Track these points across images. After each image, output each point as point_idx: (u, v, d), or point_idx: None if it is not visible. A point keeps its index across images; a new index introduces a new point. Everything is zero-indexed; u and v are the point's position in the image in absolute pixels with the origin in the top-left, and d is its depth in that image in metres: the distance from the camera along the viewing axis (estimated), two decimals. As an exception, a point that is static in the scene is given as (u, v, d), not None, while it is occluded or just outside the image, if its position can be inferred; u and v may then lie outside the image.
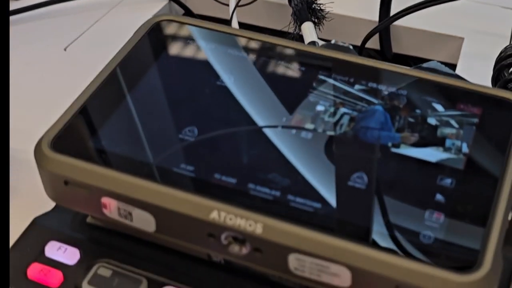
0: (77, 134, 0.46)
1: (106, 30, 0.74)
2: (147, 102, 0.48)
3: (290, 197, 0.42)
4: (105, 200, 0.44)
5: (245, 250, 0.42)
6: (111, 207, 0.44)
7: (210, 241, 0.42)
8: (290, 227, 0.40)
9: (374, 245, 0.40)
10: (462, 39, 0.74)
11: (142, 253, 0.47)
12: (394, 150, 0.44)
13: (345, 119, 0.46)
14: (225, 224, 0.41)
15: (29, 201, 0.52)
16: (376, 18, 0.74)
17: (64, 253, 0.47)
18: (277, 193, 0.42)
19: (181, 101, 0.48)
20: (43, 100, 0.63)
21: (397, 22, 0.73)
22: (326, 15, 0.70)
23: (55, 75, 0.67)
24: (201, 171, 0.43)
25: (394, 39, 0.76)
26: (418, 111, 0.46)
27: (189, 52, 0.51)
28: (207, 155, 0.44)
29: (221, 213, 0.41)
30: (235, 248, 0.42)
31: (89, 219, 0.49)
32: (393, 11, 0.72)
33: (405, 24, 0.76)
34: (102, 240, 0.48)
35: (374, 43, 0.77)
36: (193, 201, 0.42)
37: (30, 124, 0.55)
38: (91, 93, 0.48)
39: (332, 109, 0.47)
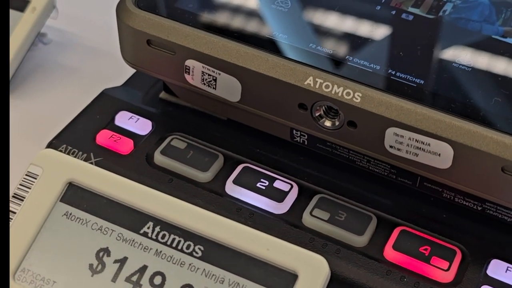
0: (163, -6, 0.43)
1: None
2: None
3: (391, 71, 0.39)
4: (189, 63, 0.41)
5: (338, 124, 0.39)
6: (194, 72, 0.41)
7: (300, 113, 0.40)
8: (390, 98, 0.37)
9: (482, 121, 0.37)
10: None
11: (218, 130, 0.44)
12: (498, 37, 0.41)
13: (448, 7, 0.43)
14: (320, 92, 0.38)
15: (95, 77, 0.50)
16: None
17: (135, 122, 0.44)
18: (377, 67, 0.39)
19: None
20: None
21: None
22: None
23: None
24: (295, 39, 0.41)
25: None
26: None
27: None
28: (302, 24, 0.42)
29: (316, 80, 0.38)
30: (326, 121, 0.40)
31: (162, 95, 0.47)
32: None
33: None
34: (176, 115, 0.45)
35: None
36: (286, 66, 0.39)
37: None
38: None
39: (436, -5, 0.44)
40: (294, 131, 0.42)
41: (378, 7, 0.43)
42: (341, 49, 0.40)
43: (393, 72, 0.39)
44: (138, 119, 0.44)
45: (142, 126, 0.44)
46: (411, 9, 0.43)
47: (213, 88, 0.41)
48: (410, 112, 0.37)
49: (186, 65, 0.41)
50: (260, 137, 0.44)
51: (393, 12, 0.42)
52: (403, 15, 0.42)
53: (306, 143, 0.43)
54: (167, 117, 0.45)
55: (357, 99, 0.38)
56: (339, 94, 0.38)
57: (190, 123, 0.45)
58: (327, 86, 0.38)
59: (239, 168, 0.42)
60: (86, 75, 0.54)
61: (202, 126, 0.44)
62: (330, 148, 0.42)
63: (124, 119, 0.44)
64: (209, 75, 0.41)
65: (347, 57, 0.40)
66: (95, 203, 0.38)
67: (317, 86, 0.38)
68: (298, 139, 0.43)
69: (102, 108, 0.45)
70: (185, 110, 0.45)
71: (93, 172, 0.38)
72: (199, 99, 0.43)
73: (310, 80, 0.38)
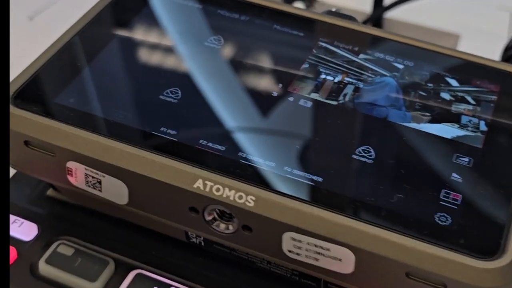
0: (42, 89, 0.40)
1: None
2: (124, 58, 0.42)
3: (286, 168, 0.36)
4: (71, 164, 0.38)
5: (232, 228, 0.36)
6: (77, 174, 0.38)
7: (192, 217, 0.37)
8: (286, 201, 0.35)
9: (383, 224, 0.34)
10: (457, 36, 0.70)
11: (109, 231, 0.41)
12: (405, 124, 0.39)
13: (349, 89, 0.40)
14: (211, 196, 0.35)
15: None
16: (369, 10, 0.70)
17: (19, 227, 0.41)
18: (272, 164, 0.36)
19: (164, 61, 0.42)
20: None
21: (392, 17, 0.69)
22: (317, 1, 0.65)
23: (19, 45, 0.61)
24: (185, 135, 0.38)
25: (387, 34, 0.72)
26: (430, 85, 0.41)
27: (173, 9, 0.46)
28: (192, 119, 0.39)
29: (206, 183, 0.35)
30: (220, 225, 0.37)
31: (49, 192, 0.43)
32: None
33: (400, 18, 0.71)
34: (63, 216, 0.42)
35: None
36: (173, 167, 0.36)
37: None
38: (60, 46, 0.42)
39: (338, 77, 0.41)
40: (189, 233, 0.39)
41: (274, 93, 0.40)
42: (233, 146, 0.37)
43: (289, 170, 0.36)
44: (22, 222, 0.41)
45: (26, 230, 0.41)
46: (310, 95, 0.40)
47: (99, 190, 0.38)
48: (306, 216, 0.34)
49: (67, 167, 0.38)
50: (154, 237, 0.40)
51: (291, 99, 0.40)
52: (301, 102, 0.40)
53: (202, 244, 0.40)
54: (54, 219, 0.42)
55: (250, 202, 0.35)
56: (231, 198, 0.35)
57: (79, 225, 0.41)
58: (217, 189, 0.35)
59: (131, 275, 0.39)
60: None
61: (91, 227, 0.41)
62: (228, 249, 0.39)
63: (6, 223, 0.41)
64: (93, 177, 0.37)
65: (239, 154, 0.37)
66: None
67: (207, 190, 0.35)
68: (194, 240, 0.40)
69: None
70: (74, 209, 0.42)
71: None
72: (87, 199, 0.40)
73: (199, 183, 0.35)
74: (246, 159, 0.37)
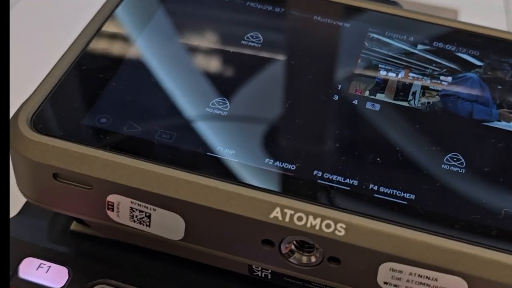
0: (65, 108, 0.33)
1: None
2: (156, 64, 0.36)
3: (372, 186, 0.31)
4: (113, 198, 0.31)
5: (315, 260, 0.31)
6: (120, 208, 0.32)
7: (265, 250, 0.31)
8: (381, 226, 0.30)
9: (497, 246, 0.29)
10: (456, 11, 0.66)
11: (153, 269, 0.35)
12: (492, 124, 0.34)
13: (417, 87, 0.36)
14: (292, 226, 0.30)
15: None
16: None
17: (46, 272, 0.34)
18: (354, 182, 0.31)
19: (204, 65, 0.36)
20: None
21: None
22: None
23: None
24: (246, 154, 0.32)
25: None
26: None
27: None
28: (249, 133, 0.33)
29: (285, 211, 0.30)
30: (300, 257, 0.31)
31: (74, 226, 0.37)
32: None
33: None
34: (96, 254, 0.36)
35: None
36: (243, 195, 0.30)
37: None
38: (77, 53, 0.35)
39: (400, 74, 0.36)
40: (254, 266, 0.34)
41: (336, 97, 0.35)
42: (306, 163, 0.32)
43: (375, 188, 0.31)
44: (50, 266, 0.35)
45: (56, 276, 0.34)
46: (376, 96, 0.35)
47: (147, 225, 0.32)
48: (408, 243, 0.29)
49: (108, 201, 0.32)
50: (209, 273, 0.35)
51: (355, 102, 0.35)
52: (368, 105, 0.35)
53: (269, 277, 0.34)
54: (86, 258, 0.35)
55: (340, 231, 0.30)
56: (316, 228, 0.30)
57: (116, 264, 0.35)
58: (299, 218, 0.30)
59: (188, 320, 0.33)
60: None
61: (132, 265, 0.35)
62: (301, 281, 0.34)
63: (30, 269, 0.34)
64: (140, 211, 0.32)
65: (314, 173, 0.31)
66: None
67: (286, 219, 0.30)
68: (259, 273, 0.34)
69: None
70: (108, 245, 0.36)
71: None
72: (125, 233, 0.34)
73: (277, 212, 0.30)
74: (324, 178, 0.31)
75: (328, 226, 0.30)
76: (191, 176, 0.31)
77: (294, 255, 0.31)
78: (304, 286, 0.34)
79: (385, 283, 0.30)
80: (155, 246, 0.35)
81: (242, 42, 0.37)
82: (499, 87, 0.36)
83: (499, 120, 0.34)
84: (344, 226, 0.30)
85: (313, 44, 0.38)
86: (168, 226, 0.32)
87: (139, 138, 0.32)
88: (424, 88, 0.35)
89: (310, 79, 0.36)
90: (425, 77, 0.36)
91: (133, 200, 0.31)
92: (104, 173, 0.31)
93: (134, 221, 0.32)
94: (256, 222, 0.30)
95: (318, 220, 0.30)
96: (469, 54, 0.37)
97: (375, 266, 0.30)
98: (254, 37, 0.38)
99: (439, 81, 0.36)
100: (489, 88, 0.36)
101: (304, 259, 0.31)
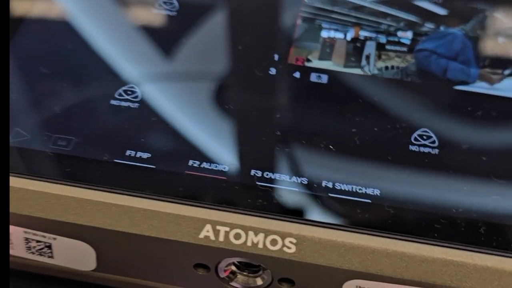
0: None
1: None
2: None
3: (325, 183, 0.25)
4: None
5: (261, 283, 0.25)
6: (13, 240, 0.25)
7: (199, 276, 0.25)
8: (342, 237, 0.23)
9: (489, 247, 0.23)
10: None
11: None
12: (469, 88, 0.28)
13: (371, 48, 0.29)
14: (227, 246, 0.23)
15: None
16: None
17: None
18: (304, 180, 0.25)
19: (108, 45, 0.30)
20: None
21: None
22: None
23: None
24: (163, 157, 0.25)
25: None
26: (501, 38, 0.30)
27: None
28: (167, 132, 0.26)
29: (218, 228, 0.24)
30: (245, 280, 0.25)
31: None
32: None
33: None
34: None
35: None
36: (162, 214, 0.24)
37: None
38: None
39: (349, 33, 0.30)
40: (191, 291, 0.27)
41: (272, 71, 0.28)
42: (243, 161, 0.25)
43: (330, 185, 0.25)
44: None
45: None
46: (318, 63, 0.28)
47: (49, 257, 0.25)
48: (378, 254, 0.23)
49: (-5, 233, 0.25)
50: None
51: (296, 75, 0.28)
52: (313, 77, 0.28)
53: (211, 301, 0.28)
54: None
55: (289, 248, 0.23)
56: (260, 246, 0.23)
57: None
58: (237, 236, 0.23)
59: None
60: None
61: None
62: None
63: None
64: (38, 241, 0.25)
65: (252, 173, 0.25)
66: None
67: (220, 239, 0.23)
68: (197, 298, 0.28)
69: None
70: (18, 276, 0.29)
71: None
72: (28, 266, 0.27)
73: (207, 231, 0.24)
74: (264, 179, 0.25)
75: (274, 242, 0.23)
76: (96, 194, 0.24)
77: (236, 278, 0.25)
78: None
79: (352, 304, 0.24)
80: (65, 275, 0.28)
81: (154, 9, 0.30)
82: (485, 45, 0.29)
83: (481, 80, 0.28)
84: (294, 241, 0.23)
85: (241, 4, 0.31)
86: (76, 256, 0.25)
87: (27, 149, 0.25)
88: (380, 49, 0.29)
89: (240, 51, 0.29)
90: (379, 35, 0.29)
91: (26, 230, 0.25)
92: (-15, 200, 0.24)
93: (33, 253, 0.25)
94: (183, 245, 0.24)
95: (261, 236, 0.23)
96: (430, 1, 0.31)
97: (337, 285, 0.24)
98: (168, 3, 0.31)
99: (396, 39, 0.29)
100: (472, 46, 0.29)
101: (249, 282, 0.25)
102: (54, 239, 0.25)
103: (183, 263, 0.24)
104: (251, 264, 0.24)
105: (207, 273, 0.25)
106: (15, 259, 0.26)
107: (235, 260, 0.24)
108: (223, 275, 0.25)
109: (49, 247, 0.25)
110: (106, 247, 0.25)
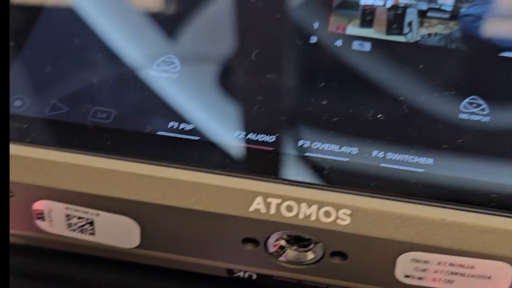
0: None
1: None
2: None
3: (376, 153, 0.24)
4: (40, 205, 0.24)
5: (314, 256, 0.24)
6: (53, 217, 0.24)
7: (247, 250, 0.24)
8: (397, 207, 0.23)
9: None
10: None
11: (112, 278, 0.28)
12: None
13: (412, 15, 0.28)
14: (279, 219, 0.23)
15: None
16: None
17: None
18: (354, 150, 0.24)
19: (139, 18, 0.29)
20: None
21: None
22: None
23: None
24: (214, 126, 0.25)
25: None
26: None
27: None
28: (210, 102, 0.26)
29: (269, 201, 0.23)
30: (295, 255, 0.24)
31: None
32: None
33: None
34: (33, 271, 0.28)
35: None
36: (211, 185, 0.23)
37: None
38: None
39: (390, 1, 0.29)
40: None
41: (313, 39, 0.27)
42: (290, 132, 0.24)
43: (382, 155, 0.24)
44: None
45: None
46: (359, 31, 0.27)
47: (91, 234, 0.25)
48: (435, 225, 0.22)
49: (35, 210, 0.24)
50: (180, 277, 0.28)
51: (338, 43, 0.27)
52: (355, 45, 0.27)
53: (254, 277, 0.27)
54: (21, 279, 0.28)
55: (344, 220, 0.23)
56: (312, 218, 0.23)
57: (63, 281, 0.28)
58: (289, 208, 0.23)
59: None
60: None
61: (82, 281, 0.28)
62: (295, 280, 0.27)
63: None
64: (79, 217, 0.24)
65: (301, 143, 0.24)
66: None
67: (272, 211, 0.23)
68: (240, 274, 0.27)
69: None
70: (47, 257, 0.28)
71: None
72: (67, 244, 0.26)
73: (258, 204, 0.23)
74: (313, 149, 0.24)
75: (327, 214, 0.23)
76: (142, 167, 0.23)
77: (286, 252, 0.24)
78: (298, 285, 0.27)
79: (406, 276, 0.24)
80: (106, 253, 0.27)
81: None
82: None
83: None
84: (348, 212, 0.23)
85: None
86: (119, 232, 0.24)
87: (67, 122, 0.25)
88: (422, 16, 0.28)
89: (278, 20, 0.28)
90: (420, 2, 0.29)
91: (68, 206, 0.24)
92: (25, 175, 0.23)
93: (74, 230, 0.25)
94: (232, 219, 0.23)
95: (314, 208, 0.23)
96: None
97: (392, 258, 0.23)
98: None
99: (437, 6, 0.28)
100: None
101: (299, 256, 0.24)
102: (97, 215, 0.24)
103: (231, 238, 0.24)
104: (301, 238, 0.24)
105: (255, 248, 0.24)
106: (53, 237, 0.25)
107: (286, 234, 0.23)
108: (271, 250, 0.24)
109: (91, 223, 0.24)
110: (151, 222, 0.24)
